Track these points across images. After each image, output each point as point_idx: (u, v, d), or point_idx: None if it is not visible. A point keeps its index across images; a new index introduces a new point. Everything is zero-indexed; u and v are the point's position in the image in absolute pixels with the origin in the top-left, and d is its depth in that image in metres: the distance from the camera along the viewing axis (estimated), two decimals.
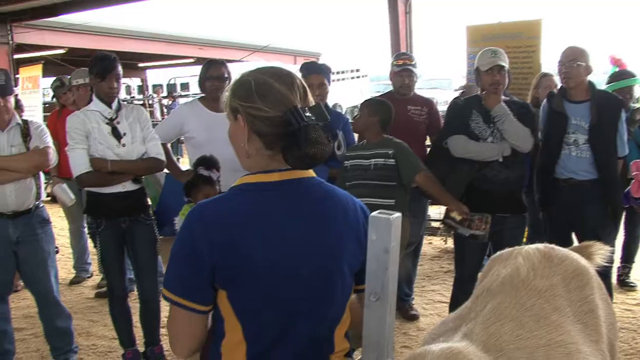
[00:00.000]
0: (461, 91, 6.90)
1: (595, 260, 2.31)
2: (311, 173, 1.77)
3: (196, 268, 1.62)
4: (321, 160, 1.67)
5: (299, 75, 1.74)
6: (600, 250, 2.36)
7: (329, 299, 1.72)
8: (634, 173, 4.28)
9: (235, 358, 1.69)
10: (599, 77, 4.74)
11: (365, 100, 4.45)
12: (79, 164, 3.79)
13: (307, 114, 1.63)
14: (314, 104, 1.71)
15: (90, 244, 6.02)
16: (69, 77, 5.74)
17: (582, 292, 1.99)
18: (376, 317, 1.18)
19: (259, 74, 1.71)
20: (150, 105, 19.65)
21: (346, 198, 1.81)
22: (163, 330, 4.51)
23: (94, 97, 3.94)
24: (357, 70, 24.70)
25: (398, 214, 1.17)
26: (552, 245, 2.17)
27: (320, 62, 6.14)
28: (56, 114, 6.26)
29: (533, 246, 2.15)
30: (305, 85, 1.73)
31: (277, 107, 1.64)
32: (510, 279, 1.97)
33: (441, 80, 23.08)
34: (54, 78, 6.35)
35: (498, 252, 2.24)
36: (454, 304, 4.21)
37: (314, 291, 1.69)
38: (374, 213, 1.16)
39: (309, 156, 1.63)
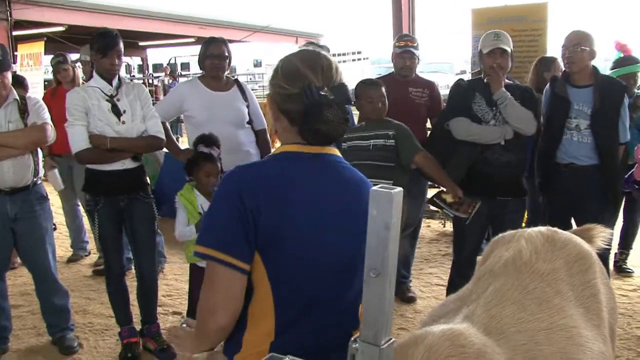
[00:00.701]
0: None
1: (596, 243, 2.30)
2: (334, 151, 1.82)
3: (239, 223, 1.62)
4: (334, 138, 1.75)
5: (330, 57, 1.79)
6: (601, 233, 2.35)
7: (353, 273, 1.75)
8: (639, 157, 4.27)
9: (263, 326, 1.70)
10: (601, 64, 4.69)
11: (364, 82, 4.32)
12: (78, 141, 3.74)
13: (322, 92, 1.67)
14: (338, 84, 1.74)
15: (86, 221, 5.99)
16: (71, 54, 5.69)
17: (585, 276, 1.98)
18: (376, 293, 1.16)
19: (288, 55, 1.80)
20: (151, 85, 19.53)
21: (361, 175, 1.87)
22: (160, 309, 4.51)
23: (94, 74, 3.89)
24: (359, 53, 24.67)
25: (399, 189, 1.15)
26: (555, 229, 2.16)
27: (322, 43, 6.09)
28: (51, 92, 6.21)
29: (536, 229, 2.14)
30: (335, 66, 1.77)
31: (296, 84, 1.70)
32: (513, 261, 1.96)
33: (442, 64, 23.03)
34: (56, 54, 6.27)
35: (500, 235, 2.23)
36: (451, 287, 4.22)
37: (338, 263, 1.73)
38: (374, 187, 1.14)
39: (321, 133, 1.70)
